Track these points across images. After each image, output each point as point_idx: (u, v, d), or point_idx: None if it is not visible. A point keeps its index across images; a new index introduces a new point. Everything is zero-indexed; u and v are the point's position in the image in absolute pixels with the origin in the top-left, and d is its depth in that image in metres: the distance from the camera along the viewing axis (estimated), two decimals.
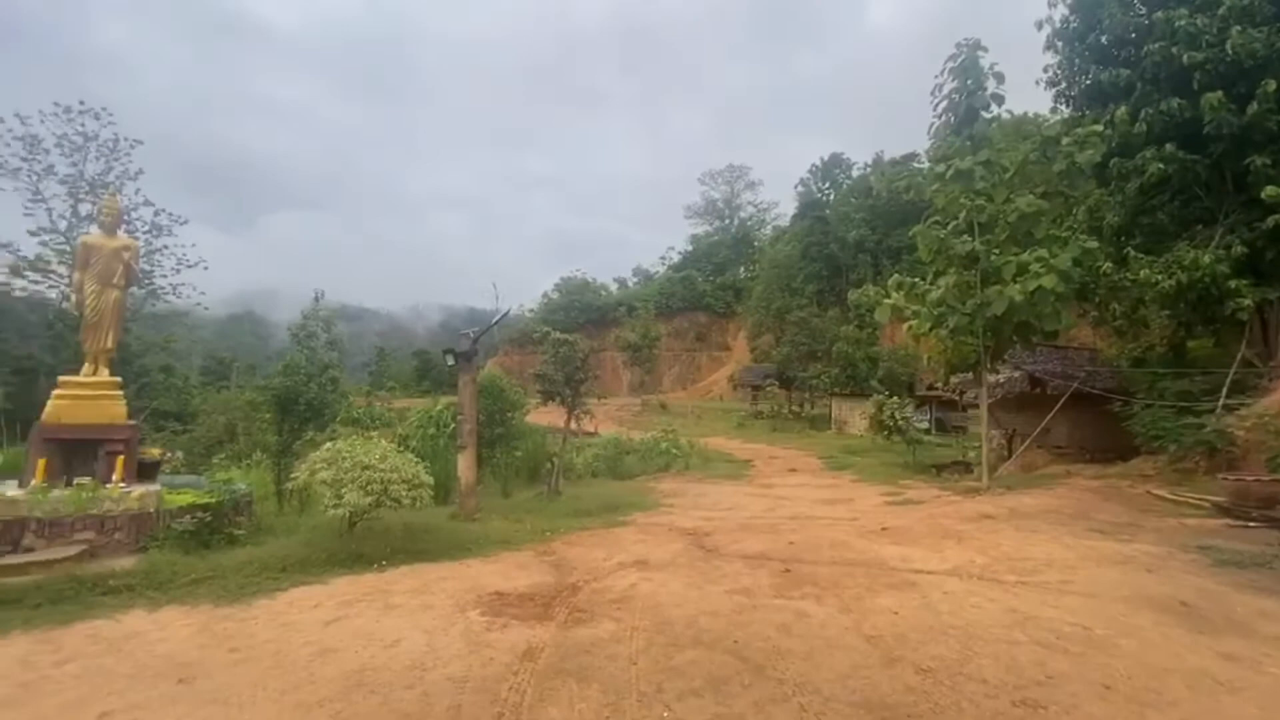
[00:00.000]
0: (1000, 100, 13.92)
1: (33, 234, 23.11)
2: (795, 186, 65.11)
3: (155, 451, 9.24)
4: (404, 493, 7.51)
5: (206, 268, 25.38)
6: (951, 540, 8.41)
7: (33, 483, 7.17)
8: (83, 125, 23.09)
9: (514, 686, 4.20)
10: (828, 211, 54.44)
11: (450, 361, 10.97)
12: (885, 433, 20.08)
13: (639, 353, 52.03)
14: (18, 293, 25.80)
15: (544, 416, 17.07)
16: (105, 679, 4.25)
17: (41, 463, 7.29)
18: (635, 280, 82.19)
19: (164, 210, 24.48)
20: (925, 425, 28.00)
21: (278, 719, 3.78)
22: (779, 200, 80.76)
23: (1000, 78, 13.78)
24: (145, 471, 8.36)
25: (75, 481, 7.34)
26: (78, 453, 7.65)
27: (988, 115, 14.01)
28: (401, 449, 8.91)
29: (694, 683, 4.23)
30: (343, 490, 7.18)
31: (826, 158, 62.98)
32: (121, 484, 7.46)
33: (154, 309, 25.66)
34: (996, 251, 13.12)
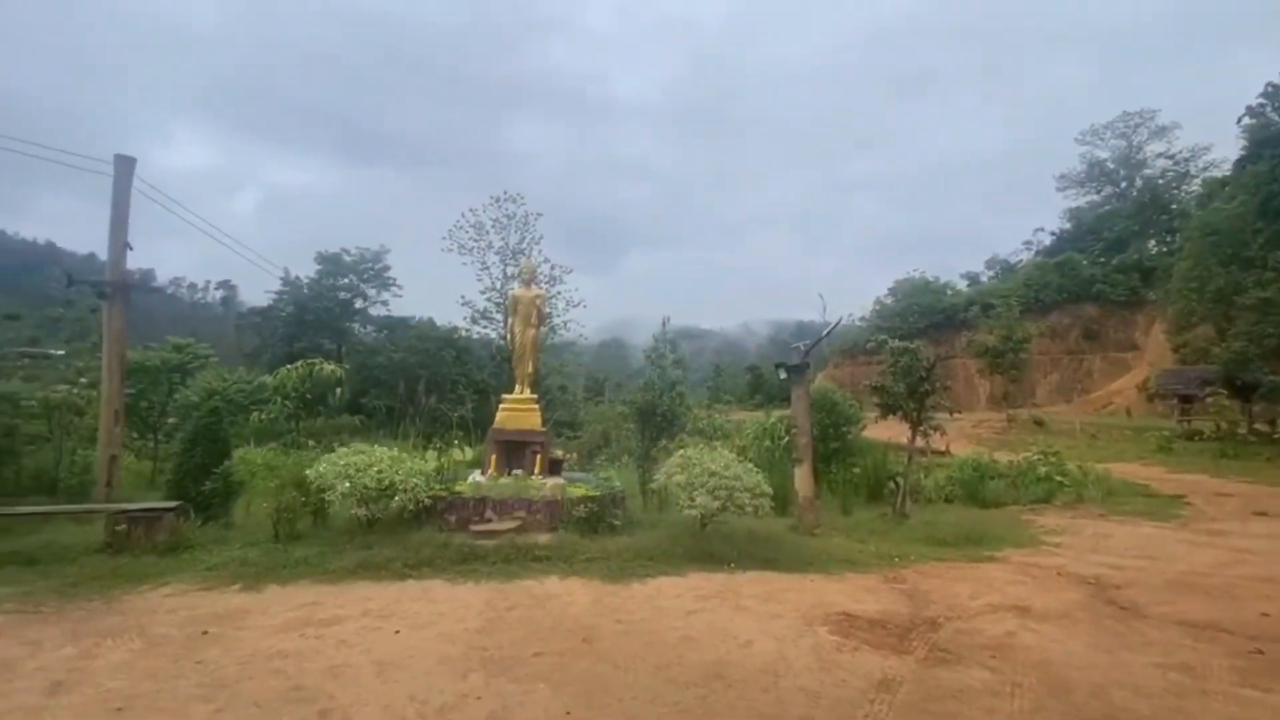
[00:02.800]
0: None
1: (481, 293, 32.07)
2: (1238, 121, 47.45)
3: (559, 452, 11.68)
4: (747, 500, 7.87)
5: (585, 306, 31.39)
6: None
7: (489, 472, 9.80)
8: (507, 209, 31.11)
9: (870, 715, 3.95)
10: None
11: (782, 375, 11.14)
12: None
13: (1000, 358, 44.36)
14: (475, 335, 36.03)
15: (883, 431, 15.91)
16: (535, 628, 5.48)
17: (494, 457, 9.92)
18: (990, 274, 70.73)
19: (557, 265, 31.25)
20: None
21: (654, 690, 4.30)
22: (1210, 144, 58.99)
23: None
24: (553, 468, 10.61)
25: (513, 472, 9.77)
26: (513, 451, 10.18)
27: None
28: (740, 459, 9.37)
29: None
30: (694, 493, 7.90)
31: None
32: (540, 476, 9.64)
33: (551, 341, 32.86)
34: None
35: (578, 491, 9.41)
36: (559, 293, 30.92)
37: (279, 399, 15.22)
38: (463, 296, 32.70)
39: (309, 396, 15.64)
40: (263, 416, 15.28)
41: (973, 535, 9.82)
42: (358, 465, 8.05)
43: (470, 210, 31.01)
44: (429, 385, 27.78)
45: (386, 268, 40.40)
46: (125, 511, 7.66)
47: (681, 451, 9.03)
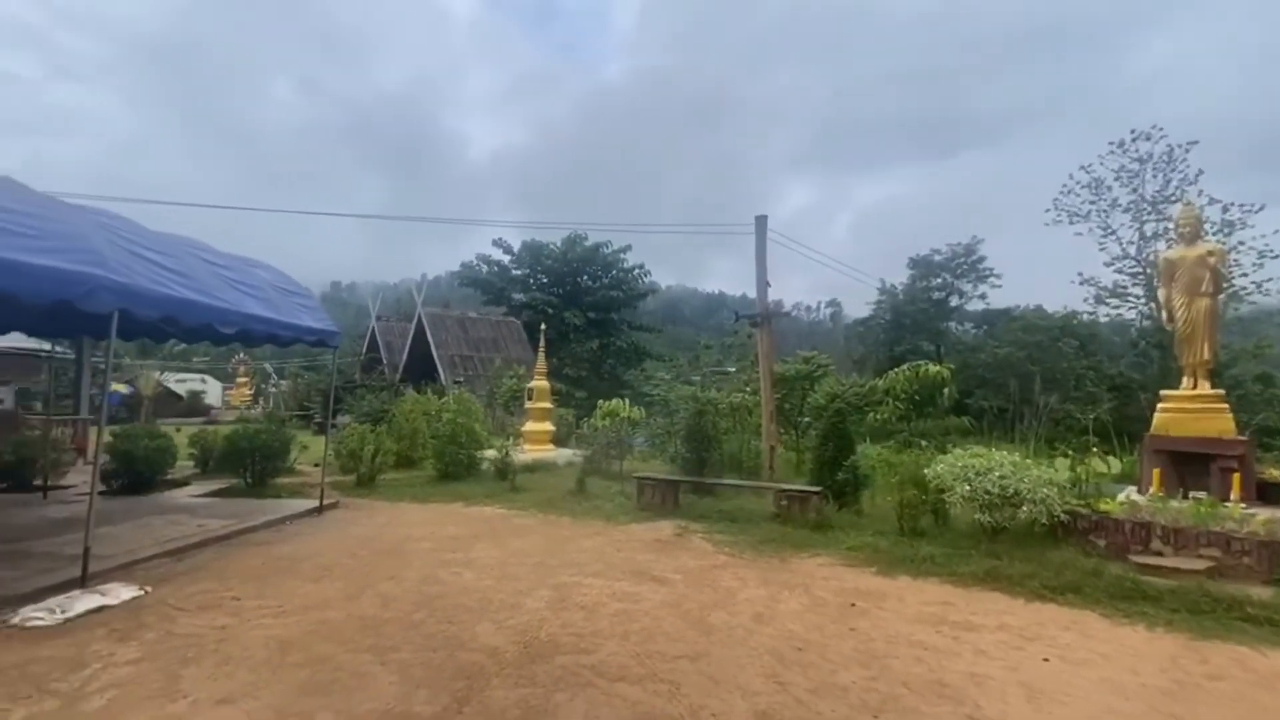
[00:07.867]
0: None
1: (1106, 265, 25.98)
2: None
3: (1276, 473, 8.06)
4: None
5: None
6: None
7: (1150, 490, 7.65)
8: (1135, 151, 24.33)
9: None
10: None
11: None
12: None
13: None
14: (1102, 319, 29.46)
15: None
16: (1261, 713, 3.85)
17: (1157, 472, 7.69)
18: None
19: (1232, 204, 22.36)
20: None
21: None
22: None
23: None
24: (1263, 493, 7.43)
25: (1190, 494, 7.33)
26: (1187, 465, 7.65)
27: None
28: None
29: None
30: None
31: None
32: (1240, 504, 6.89)
33: (1236, 313, 23.47)
34: None
35: None
36: (1241, 243, 22.15)
37: (890, 400, 16.30)
38: (1080, 273, 27.57)
39: (917, 398, 16.14)
40: (877, 417, 16.65)
41: None
42: (976, 469, 7.69)
43: (1082, 168, 25.98)
44: (1045, 382, 24.32)
45: (981, 259, 38.04)
46: (785, 490, 9.67)
47: None
